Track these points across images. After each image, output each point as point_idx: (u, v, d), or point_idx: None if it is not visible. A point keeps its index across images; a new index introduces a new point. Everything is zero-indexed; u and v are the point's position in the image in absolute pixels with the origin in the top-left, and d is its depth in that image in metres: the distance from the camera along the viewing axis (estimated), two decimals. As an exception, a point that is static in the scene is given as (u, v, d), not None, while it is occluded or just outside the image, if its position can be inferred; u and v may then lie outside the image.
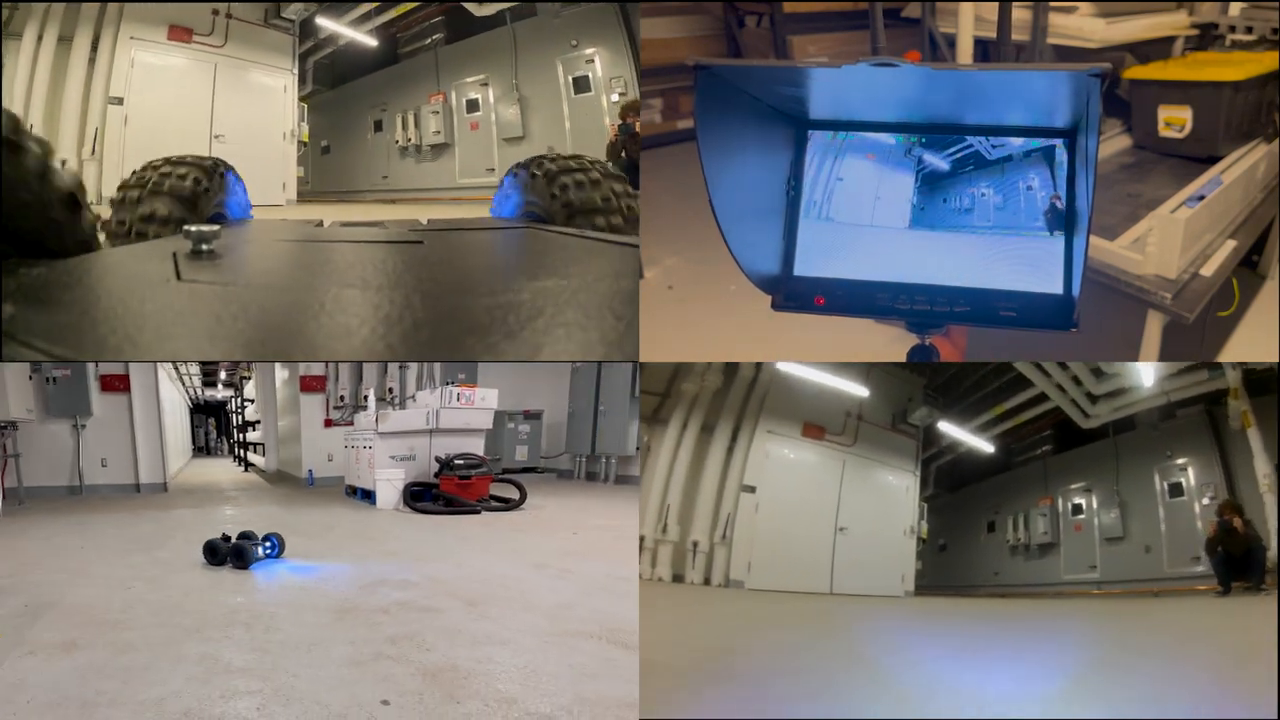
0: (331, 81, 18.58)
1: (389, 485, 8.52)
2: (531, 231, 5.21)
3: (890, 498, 7.98)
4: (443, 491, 8.39)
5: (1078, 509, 8.43)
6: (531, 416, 12.49)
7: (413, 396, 10.47)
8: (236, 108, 13.78)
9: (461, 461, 8.55)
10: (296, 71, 15.16)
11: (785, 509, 7.04)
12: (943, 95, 1.56)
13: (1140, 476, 7.49)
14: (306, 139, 15.85)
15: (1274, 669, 2.99)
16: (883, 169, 1.70)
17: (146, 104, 12.35)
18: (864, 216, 1.72)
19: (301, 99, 16.71)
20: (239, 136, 13.56)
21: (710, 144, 1.56)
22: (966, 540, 10.54)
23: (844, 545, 7.33)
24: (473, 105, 14.99)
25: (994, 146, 1.63)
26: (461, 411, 9.03)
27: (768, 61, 2.32)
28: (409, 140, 16.15)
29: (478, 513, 8.14)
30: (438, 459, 8.66)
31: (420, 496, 8.42)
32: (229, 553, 5.29)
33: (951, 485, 11.06)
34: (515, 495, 8.61)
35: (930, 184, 1.68)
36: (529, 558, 5.51)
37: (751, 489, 6.85)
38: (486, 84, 14.62)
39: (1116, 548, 7.63)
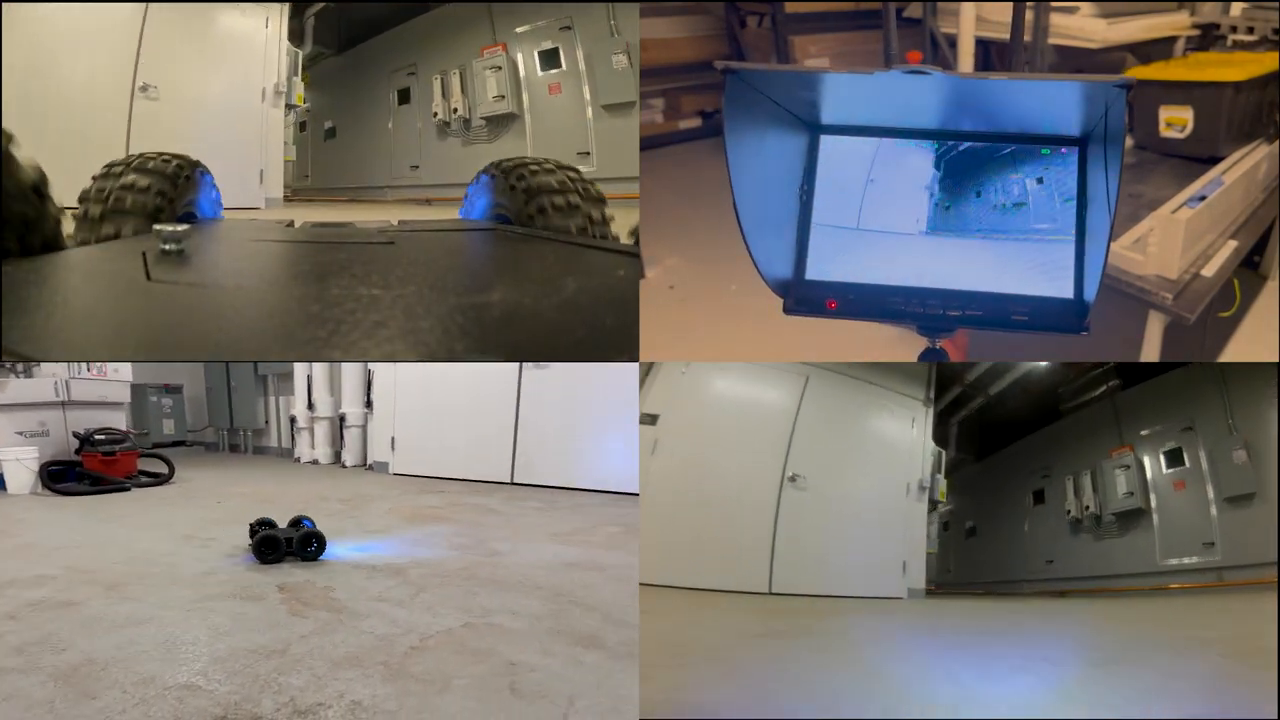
0: (338, 43, 13.79)
1: (20, 466, 7.49)
2: (500, 232, 5.24)
3: (883, 436, 5.36)
4: (87, 470, 7.70)
5: (1175, 458, 5.61)
6: (173, 390, 11.89)
7: (37, 363, 9.43)
8: (179, 47, 8.75)
9: (103, 437, 7.84)
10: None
11: (699, 450, 4.77)
12: (960, 101, 1.58)
13: (1261, 405, 5.08)
14: (302, 101, 11.10)
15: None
16: (901, 168, 1.70)
17: (24, 37, 7.91)
18: (878, 220, 1.73)
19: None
20: (182, 91, 8.75)
21: (736, 149, 1.58)
22: (1004, 519, 7.87)
23: (796, 508, 4.74)
24: (550, 59, 10.06)
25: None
26: (94, 383, 8.39)
27: (794, 67, 2.33)
28: (452, 112, 11.21)
29: (127, 489, 7.64)
30: (76, 435, 7.87)
31: (62, 476, 7.64)
32: (296, 543, 4.49)
33: (980, 449, 8.61)
34: (165, 470, 8.23)
35: (958, 175, 1.67)
36: (177, 530, 5.42)
37: (652, 419, 4.83)
38: (570, 28, 10.08)
39: (1246, 513, 5.02)
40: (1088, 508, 6.41)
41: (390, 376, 7.99)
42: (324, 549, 4.54)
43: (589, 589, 3.78)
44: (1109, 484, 6.14)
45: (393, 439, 7.70)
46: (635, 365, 6.29)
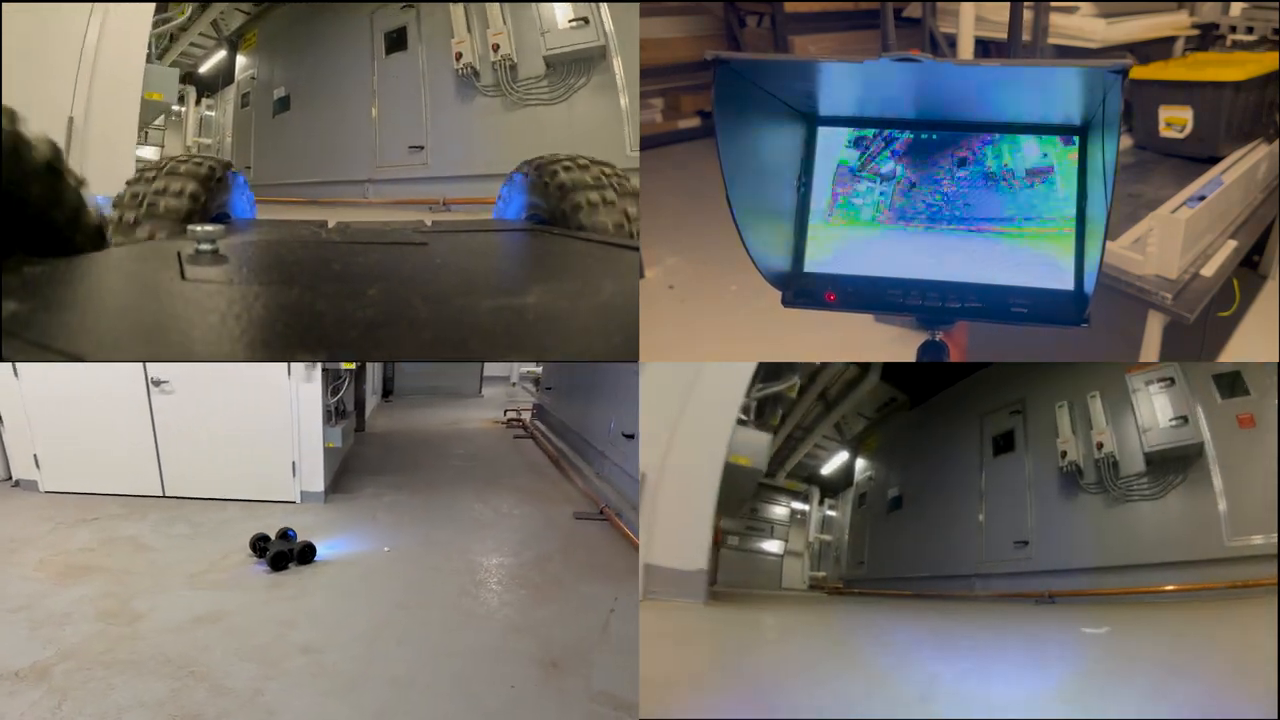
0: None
1: None
2: (537, 233, 5.23)
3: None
4: None
5: (1233, 385, 3.83)
6: None
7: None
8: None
9: None
10: None
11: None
12: (956, 92, 1.57)
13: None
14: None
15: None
16: (895, 161, 1.70)
17: None
18: (876, 212, 1.72)
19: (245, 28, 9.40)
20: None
21: (728, 140, 1.57)
22: (948, 482, 5.35)
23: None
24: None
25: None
26: None
27: (784, 56, 2.32)
28: (492, 51, 7.19)
29: None
30: None
31: None
32: (298, 554, 5.20)
33: (919, 388, 6.26)
34: None
35: (929, 150, 1.65)
36: None
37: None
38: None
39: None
40: (1100, 446, 4.03)
41: (9, 383, 6.58)
42: (315, 554, 5.23)
43: (207, 651, 3.88)
44: (1140, 408, 3.85)
45: (35, 456, 6.67)
46: (284, 370, 6.33)
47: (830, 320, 1.78)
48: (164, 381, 6.38)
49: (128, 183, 5.35)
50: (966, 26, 6.34)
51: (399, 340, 2.01)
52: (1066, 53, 6.24)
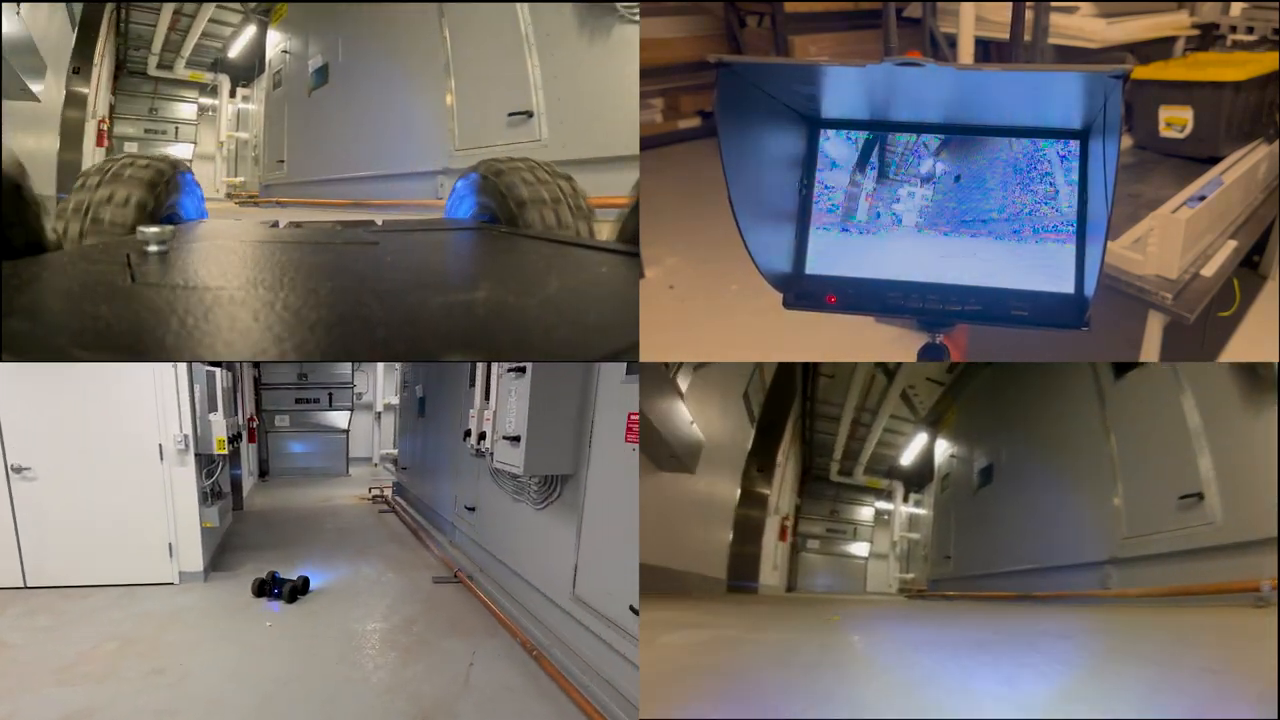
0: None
1: None
2: (486, 231, 5.16)
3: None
4: None
5: None
6: None
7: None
8: None
9: None
10: None
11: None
12: (959, 95, 1.58)
13: None
14: None
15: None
16: (898, 165, 1.70)
17: None
18: (877, 215, 1.73)
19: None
20: None
21: (730, 142, 1.58)
22: (1053, 435, 4.21)
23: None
24: None
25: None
26: None
27: (786, 60, 2.33)
28: None
29: None
30: None
31: None
32: (299, 587, 6.10)
33: None
34: None
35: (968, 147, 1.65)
36: None
37: None
38: None
39: None
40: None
41: None
42: (309, 585, 6.26)
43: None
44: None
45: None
46: (156, 452, 6.31)
47: (831, 321, 1.78)
48: (26, 468, 6.15)
49: (72, 191, 5.07)
50: (967, 26, 6.34)
51: (352, 339, 2.01)
52: (1066, 52, 6.25)
